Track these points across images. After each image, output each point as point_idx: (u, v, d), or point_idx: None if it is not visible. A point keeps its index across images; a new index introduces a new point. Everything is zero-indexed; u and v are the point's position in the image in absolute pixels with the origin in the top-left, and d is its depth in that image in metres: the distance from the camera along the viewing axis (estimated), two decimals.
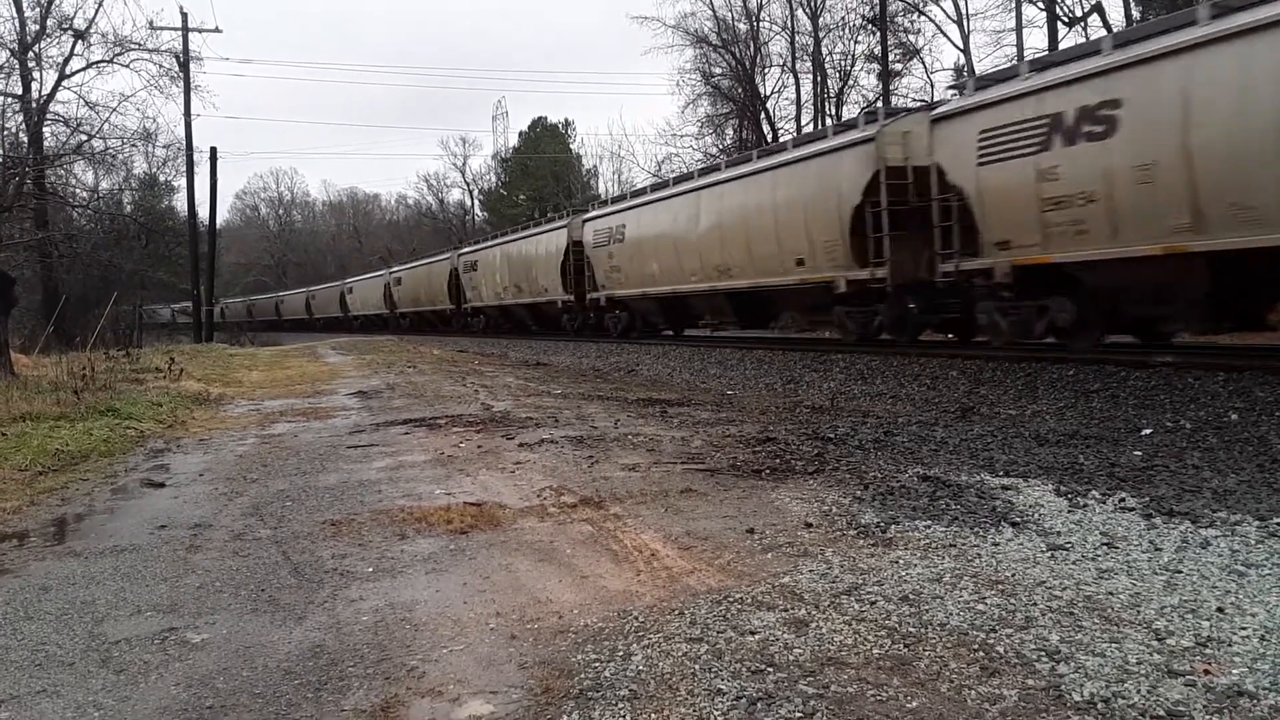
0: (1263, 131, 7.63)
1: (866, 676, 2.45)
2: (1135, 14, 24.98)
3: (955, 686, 2.37)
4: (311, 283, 64.37)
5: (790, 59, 35.56)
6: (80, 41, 26.61)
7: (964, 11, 30.51)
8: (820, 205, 13.45)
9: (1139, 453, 5.44)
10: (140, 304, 30.73)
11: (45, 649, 2.97)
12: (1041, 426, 6.64)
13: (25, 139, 26.04)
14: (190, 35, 30.87)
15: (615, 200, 23.03)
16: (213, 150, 33.35)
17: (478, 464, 5.96)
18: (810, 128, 32.20)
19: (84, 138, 26.31)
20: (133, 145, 29.17)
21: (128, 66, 28.39)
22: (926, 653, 2.59)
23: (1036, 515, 4.02)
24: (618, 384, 11.97)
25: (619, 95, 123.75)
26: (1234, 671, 2.37)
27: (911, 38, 32.97)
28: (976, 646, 2.61)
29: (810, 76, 35.12)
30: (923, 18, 32.50)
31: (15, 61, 25.27)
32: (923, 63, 37.08)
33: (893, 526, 3.91)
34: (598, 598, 3.20)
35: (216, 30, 49.38)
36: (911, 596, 3.03)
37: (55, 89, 26.73)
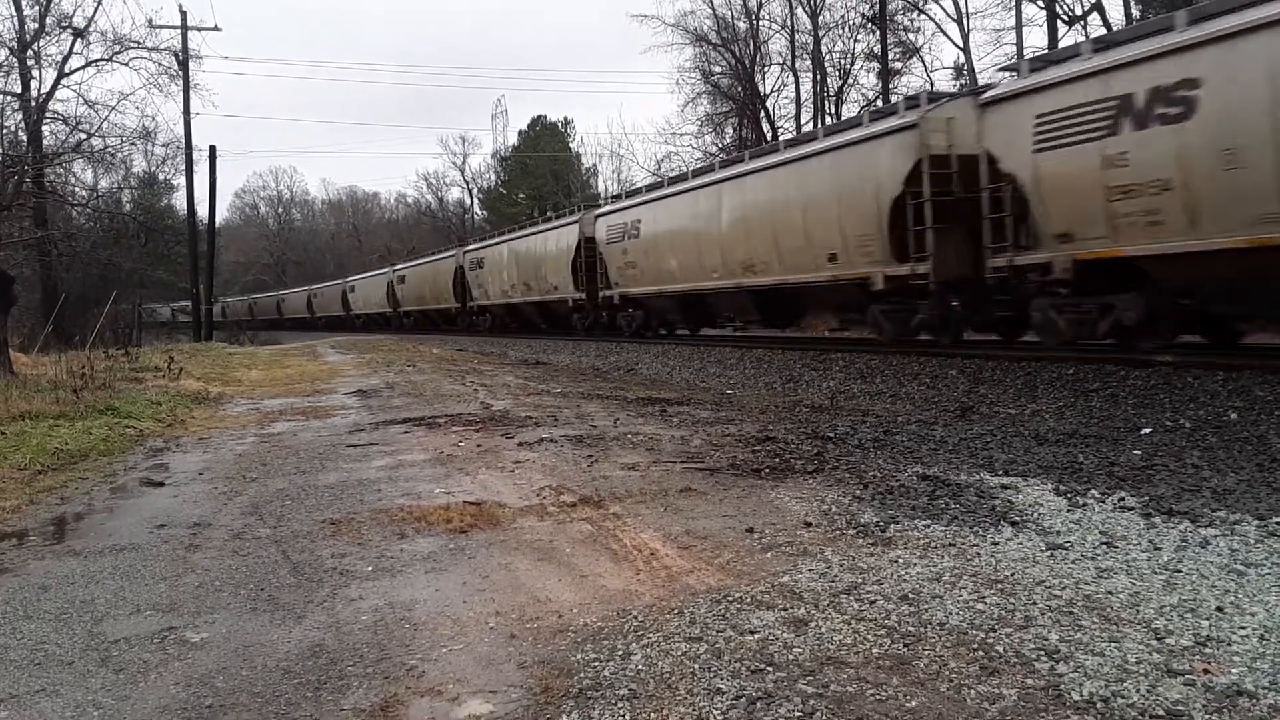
0: None
1: (866, 676, 2.45)
2: (1135, 13, 24.99)
3: (955, 686, 2.37)
4: (311, 281, 64.35)
5: (790, 57, 35.60)
6: (79, 40, 26.67)
7: (964, 10, 30.54)
8: (856, 197, 12.66)
9: (1138, 452, 5.44)
10: (139, 303, 30.73)
11: (45, 648, 2.97)
12: (1041, 425, 6.64)
13: (24, 137, 26.06)
14: (189, 33, 30.95)
15: (630, 194, 21.95)
16: (212, 149, 33.41)
17: (477, 463, 5.96)
18: (810, 126, 32.21)
19: (83, 136, 26.37)
20: (132, 144, 29.23)
21: (127, 65, 28.42)
22: (926, 652, 2.59)
23: (1036, 514, 4.02)
24: (617, 383, 11.97)
25: (618, 94, 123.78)
26: (1233, 671, 2.37)
27: (911, 36, 33.00)
28: (976, 646, 2.61)
29: (810, 75, 35.15)
30: (922, 16, 32.55)
31: (14, 60, 25.30)
32: (922, 61, 37.17)
33: (892, 526, 3.91)
34: (597, 597, 3.20)
35: (216, 29, 49.54)
36: (911, 596, 3.03)
37: (54, 87, 26.78)
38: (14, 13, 25.96)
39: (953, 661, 2.51)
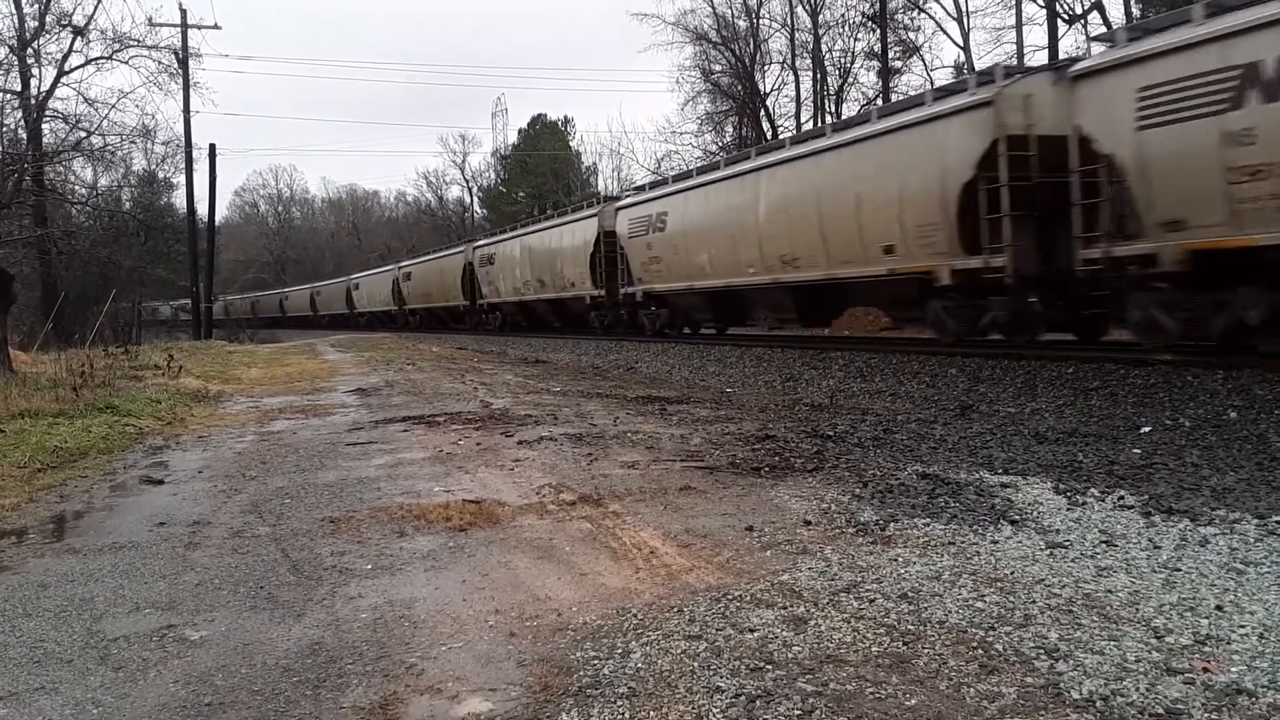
0: None
1: (865, 674, 2.45)
2: (1135, 12, 24.99)
3: (954, 684, 2.37)
4: (311, 280, 64.27)
5: (790, 56, 35.53)
6: (79, 38, 26.60)
7: (964, 9, 30.48)
8: (918, 183, 11.55)
9: (1138, 451, 5.44)
10: (139, 301, 30.75)
11: (44, 646, 2.97)
12: (1040, 424, 6.64)
13: (24, 135, 26.03)
14: (189, 32, 30.90)
15: (655, 185, 20.62)
16: (211, 147, 33.40)
17: (477, 461, 5.96)
18: (810, 125, 32.21)
19: (83, 134, 26.32)
20: (131, 142, 29.16)
21: (127, 63, 28.30)
22: (925, 650, 2.59)
23: (1035, 513, 4.02)
24: (617, 381, 11.97)
25: (618, 92, 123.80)
26: (1233, 669, 2.37)
27: (911, 35, 32.94)
28: (975, 644, 2.61)
29: (810, 74, 35.08)
30: (923, 15, 32.50)
31: (14, 58, 25.26)
32: (923, 60, 37.13)
33: (892, 524, 3.91)
34: (597, 595, 3.20)
35: (216, 27, 49.57)
36: (910, 594, 3.03)
37: (54, 85, 26.74)
38: (14, 11, 25.97)
39: (952, 660, 2.51)
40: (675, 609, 3.00)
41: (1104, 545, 3.50)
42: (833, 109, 33.66)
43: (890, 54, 30.98)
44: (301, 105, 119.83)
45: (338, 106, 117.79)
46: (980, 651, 2.56)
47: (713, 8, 35.96)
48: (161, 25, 36.32)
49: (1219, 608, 2.80)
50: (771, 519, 4.11)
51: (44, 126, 26.40)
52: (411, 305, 40.19)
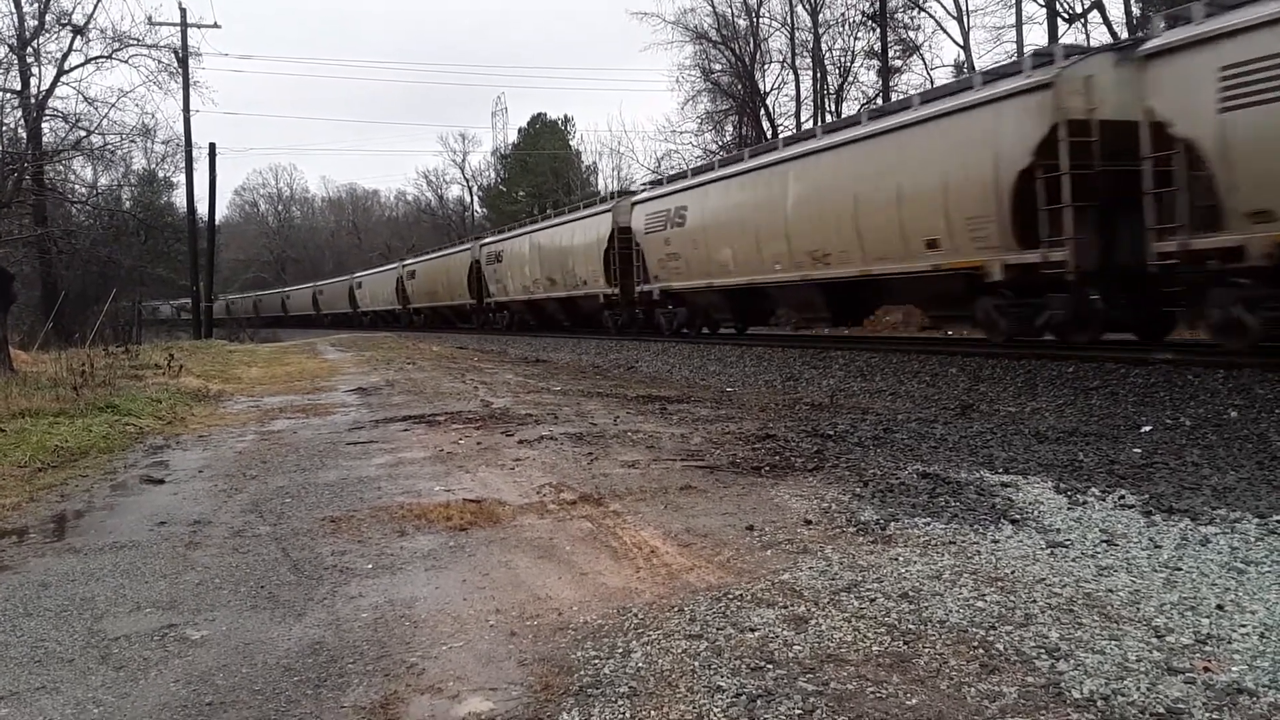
0: None
1: (866, 673, 2.45)
2: (1135, 11, 24.99)
3: (955, 684, 2.37)
4: (311, 279, 64.23)
5: (790, 55, 35.53)
6: (79, 37, 26.63)
7: (964, 7, 30.47)
8: (967, 171, 10.77)
9: (1138, 450, 5.44)
10: (139, 300, 30.74)
11: (45, 645, 2.97)
12: (1041, 424, 6.64)
13: (24, 134, 26.05)
14: (189, 31, 30.95)
15: (673, 178, 19.70)
16: (211, 146, 33.44)
17: (477, 461, 5.96)
18: (810, 124, 32.19)
19: (83, 133, 26.35)
20: (131, 141, 29.21)
21: (126, 62, 28.34)
22: (926, 650, 2.59)
23: (1036, 512, 4.02)
24: (617, 381, 11.97)
25: (618, 91, 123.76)
26: (1234, 669, 2.37)
27: (911, 34, 32.94)
28: (976, 644, 2.61)
29: (810, 73, 35.09)
30: (922, 14, 32.49)
31: (14, 57, 25.27)
32: (923, 59, 37.10)
33: (892, 523, 3.91)
34: (597, 595, 3.20)
35: (215, 26, 49.55)
36: (911, 593, 3.03)
37: (54, 84, 26.76)
38: (14, 10, 25.97)
39: (953, 659, 2.51)
40: (676, 608, 3.00)
41: (1105, 544, 3.49)
42: (833, 108, 33.68)
43: (890, 53, 31.00)
44: (301, 104, 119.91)
45: (337, 105, 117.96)
46: (981, 651, 2.56)
47: (713, 7, 35.99)
48: (161, 24, 36.42)
49: (1220, 607, 2.80)
50: (772, 518, 4.11)
51: (44, 125, 26.47)
52: (416, 304, 39.52)
